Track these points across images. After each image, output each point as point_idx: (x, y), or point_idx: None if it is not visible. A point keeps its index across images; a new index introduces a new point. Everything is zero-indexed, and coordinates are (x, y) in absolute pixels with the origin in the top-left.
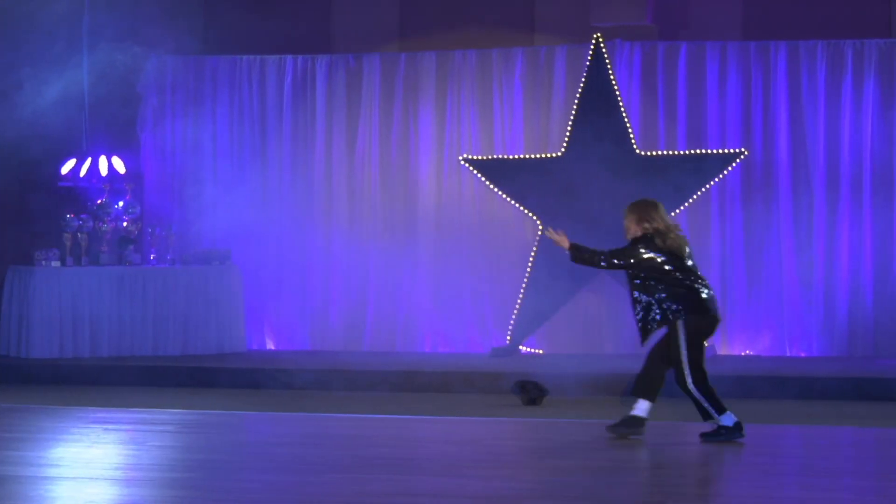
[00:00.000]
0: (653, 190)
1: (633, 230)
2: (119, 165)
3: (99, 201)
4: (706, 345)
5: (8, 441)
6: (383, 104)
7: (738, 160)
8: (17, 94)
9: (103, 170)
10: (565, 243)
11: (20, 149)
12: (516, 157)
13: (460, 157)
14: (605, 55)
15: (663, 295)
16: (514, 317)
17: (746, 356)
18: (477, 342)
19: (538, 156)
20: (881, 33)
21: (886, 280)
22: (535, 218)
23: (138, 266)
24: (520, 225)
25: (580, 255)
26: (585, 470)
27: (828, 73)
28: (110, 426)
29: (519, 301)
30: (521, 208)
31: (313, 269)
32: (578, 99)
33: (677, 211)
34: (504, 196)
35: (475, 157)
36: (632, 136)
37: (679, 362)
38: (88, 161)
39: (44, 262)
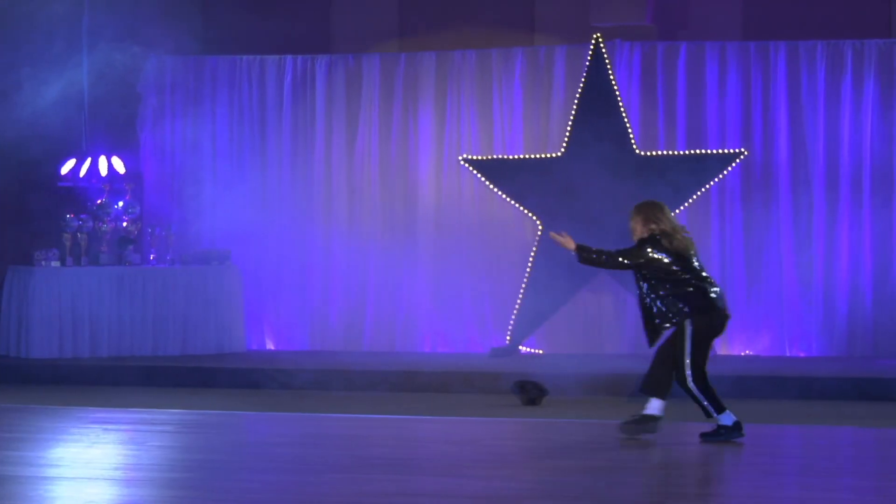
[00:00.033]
0: (652, 190)
1: (640, 231)
2: (119, 165)
3: (98, 201)
4: (711, 346)
5: (8, 441)
6: (383, 104)
7: (737, 160)
8: (16, 94)
9: (103, 170)
10: (571, 245)
11: (20, 149)
12: (516, 157)
13: (460, 157)
14: (605, 55)
15: (670, 295)
16: (513, 317)
17: (746, 356)
18: (476, 342)
19: (538, 156)
20: (881, 33)
21: (886, 280)
22: (534, 218)
23: (138, 266)
24: (519, 225)
25: (587, 255)
26: (585, 470)
27: (827, 74)
28: (110, 426)
29: (518, 301)
30: (521, 208)
31: (313, 269)
32: (578, 99)
33: (677, 211)
34: (504, 196)
35: (475, 157)
36: (631, 136)
37: (681, 360)
38: (88, 161)
39: (43, 262)
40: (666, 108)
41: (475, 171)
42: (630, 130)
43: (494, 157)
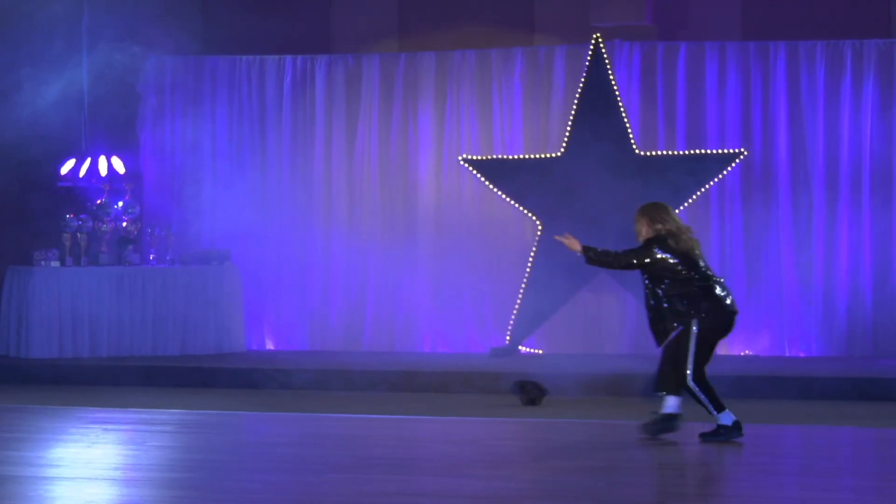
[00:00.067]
0: (652, 190)
1: (645, 233)
2: (118, 165)
3: (98, 201)
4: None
5: (7, 441)
6: (383, 104)
7: (737, 160)
8: (16, 94)
9: (103, 170)
10: (577, 246)
11: (20, 149)
12: (516, 157)
13: (460, 158)
14: (605, 55)
15: (677, 295)
16: (513, 317)
17: (746, 356)
18: (476, 342)
19: (538, 156)
20: (880, 33)
21: (886, 280)
22: (534, 218)
23: (137, 266)
24: (519, 225)
25: (594, 256)
26: (585, 470)
27: (827, 74)
28: (109, 426)
29: (518, 301)
30: (521, 208)
31: (313, 270)
32: (578, 99)
33: (677, 211)
34: (503, 196)
35: (474, 158)
36: (631, 136)
37: (684, 358)
38: (88, 161)
39: (43, 263)
40: (666, 108)
41: (475, 171)
42: (630, 130)
43: (494, 157)
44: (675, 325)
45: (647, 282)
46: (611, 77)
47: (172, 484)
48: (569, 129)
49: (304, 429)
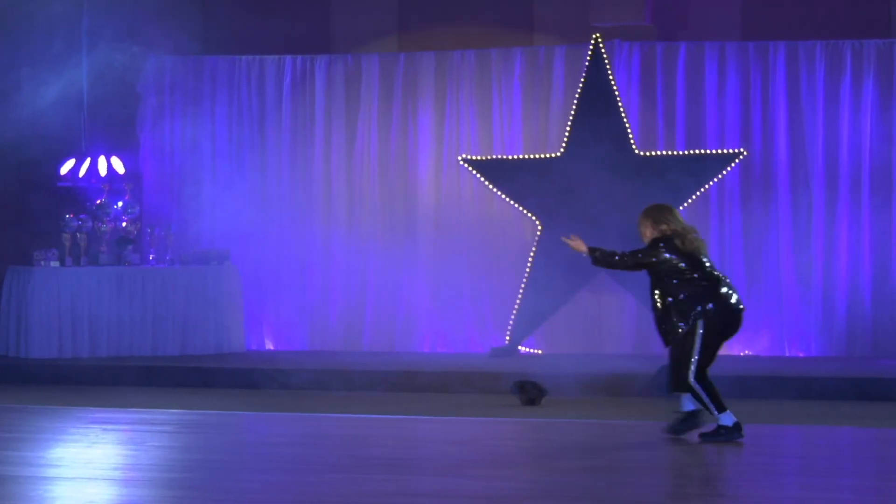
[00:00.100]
0: (651, 190)
1: (650, 234)
2: (118, 165)
3: (98, 201)
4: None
5: (7, 441)
6: (382, 104)
7: (736, 160)
8: (16, 95)
9: (102, 170)
10: (583, 247)
11: (19, 149)
12: (515, 157)
13: (459, 158)
14: (604, 55)
15: (683, 295)
16: (513, 317)
17: (745, 356)
18: (476, 342)
19: (537, 156)
20: (880, 33)
21: (885, 280)
22: (534, 218)
23: (137, 266)
24: (519, 225)
25: (601, 257)
26: (585, 470)
27: (827, 74)
28: (109, 426)
29: (518, 301)
30: (521, 208)
31: (312, 270)
32: (577, 99)
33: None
34: (503, 196)
35: (474, 158)
36: (631, 136)
37: (688, 357)
38: (87, 161)
39: (43, 263)
40: (665, 108)
41: (474, 172)
42: (629, 130)
43: (494, 157)
44: (681, 325)
45: (652, 282)
46: (610, 77)
47: (172, 484)
48: (568, 129)
49: (303, 429)
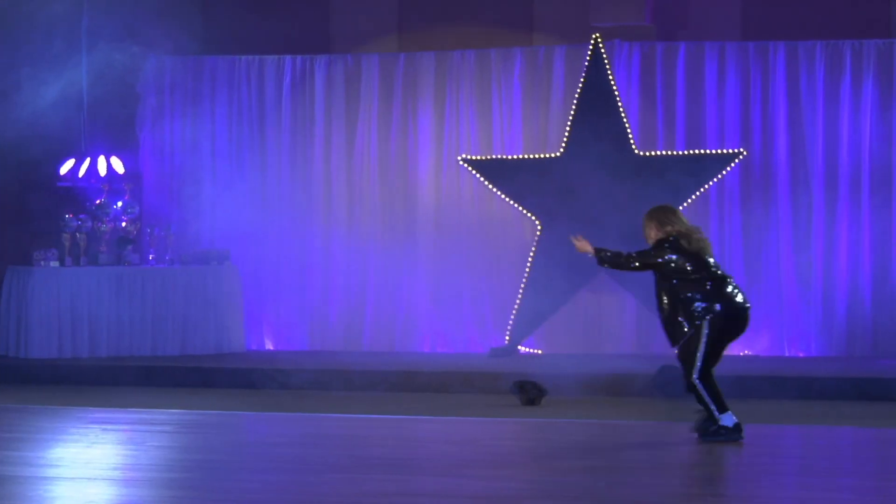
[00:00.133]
0: (651, 190)
1: (654, 235)
2: (118, 165)
3: (98, 201)
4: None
5: (7, 441)
6: (382, 104)
7: (736, 160)
8: (16, 95)
9: (102, 170)
10: (588, 248)
11: (19, 149)
12: (515, 157)
13: (459, 158)
14: (604, 55)
15: (689, 295)
16: (512, 317)
17: (745, 356)
18: (476, 342)
19: (537, 156)
20: (880, 34)
21: (885, 280)
22: (533, 218)
23: (137, 266)
24: (519, 225)
25: (606, 258)
26: (585, 470)
27: (826, 74)
28: (109, 426)
29: (518, 301)
30: (520, 208)
31: (312, 270)
32: (577, 99)
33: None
34: (503, 196)
35: (474, 158)
36: (630, 136)
37: (693, 357)
38: (87, 161)
39: (42, 263)
40: (665, 108)
41: (474, 172)
42: (629, 130)
43: (493, 157)
44: (687, 325)
45: (658, 283)
46: (610, 77)
47: (172, 484)
48: (568, 129)
49: (303, 429)
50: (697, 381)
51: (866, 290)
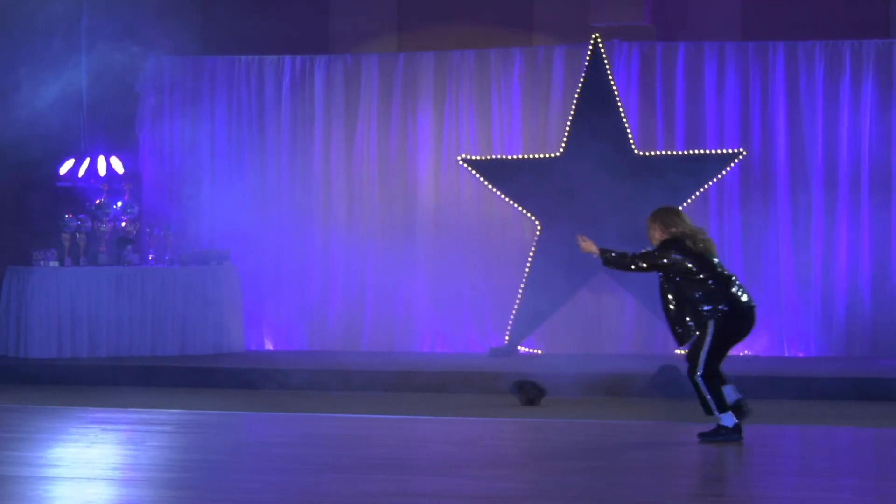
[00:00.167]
0: (651, 190)
1: (659, 236)
2: (117, 165)
3: (97, 201)
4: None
5: (7, 441)
6: (381, 104)
7: (736, 160)
8: (15, 95)
9: (101, 170)
10: (594, 248)
11: (19, 149)
12: (515, 157)
13: (459, 158)
14: (604, 55)
15: (695, 296)
16: (512, 317)
17: (745, 356)
18: (475, 342)
19: (536, 156)
20: (880, 34)
21: (885, 280)
22: (533, 218)
23: (136, 266)
24: (518, 225)
25: (612, 259)
26: (585, 470)
27: (826, 74)
28: (108, 426)
29: (517, 301)
30: (520, 208)
31: (312, 270)
32: (577, 99)
33: None
34: (502, 196)
35: (473, 158)
36: (630, 136)
37: (698, 355)
38: (87, 161)
39: (42, 263)
40: (664, 108)
41: (474, 172)
42: (629, 130)
43: (493, 157)
44: (694, 325)
45: (663, 284)
46: (610, 77)
47: (171, 484)
48: (568, 129)
49: (303, 429)
50: (701, 379)
51: (866, 290)
